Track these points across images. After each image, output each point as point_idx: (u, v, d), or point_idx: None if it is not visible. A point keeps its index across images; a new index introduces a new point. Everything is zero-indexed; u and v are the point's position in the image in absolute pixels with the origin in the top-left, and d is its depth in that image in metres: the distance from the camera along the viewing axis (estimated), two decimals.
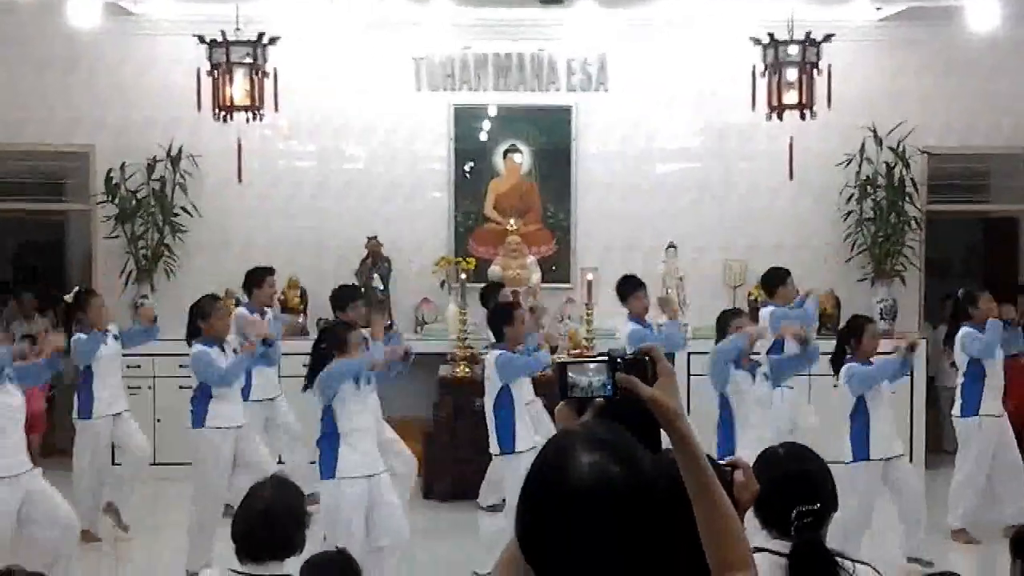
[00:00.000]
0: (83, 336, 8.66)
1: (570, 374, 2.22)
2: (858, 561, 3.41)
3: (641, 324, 9.47)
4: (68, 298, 8.98)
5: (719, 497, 2.20)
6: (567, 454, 2.02)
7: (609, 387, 2.19)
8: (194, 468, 8.29)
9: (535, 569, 2.03)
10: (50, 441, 11.21)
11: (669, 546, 2.06)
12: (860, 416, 7.92)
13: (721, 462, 2.67)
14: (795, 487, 3.42)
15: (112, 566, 9.01)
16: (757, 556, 3.14)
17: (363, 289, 11.22)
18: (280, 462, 9.27)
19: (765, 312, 9.73)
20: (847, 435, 7.97)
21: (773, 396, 8.02)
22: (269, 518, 4.29)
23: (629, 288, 9.60)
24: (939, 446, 11.42)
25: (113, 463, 9.49)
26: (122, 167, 11.40)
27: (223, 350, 8.20)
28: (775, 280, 9.92)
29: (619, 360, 2.20)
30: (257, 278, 9.74)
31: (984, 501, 9.00)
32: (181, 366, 8.95)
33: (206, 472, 8.16)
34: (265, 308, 9.65)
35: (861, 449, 7.87)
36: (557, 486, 1.99)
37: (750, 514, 3.04)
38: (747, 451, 6.43)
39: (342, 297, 9.33)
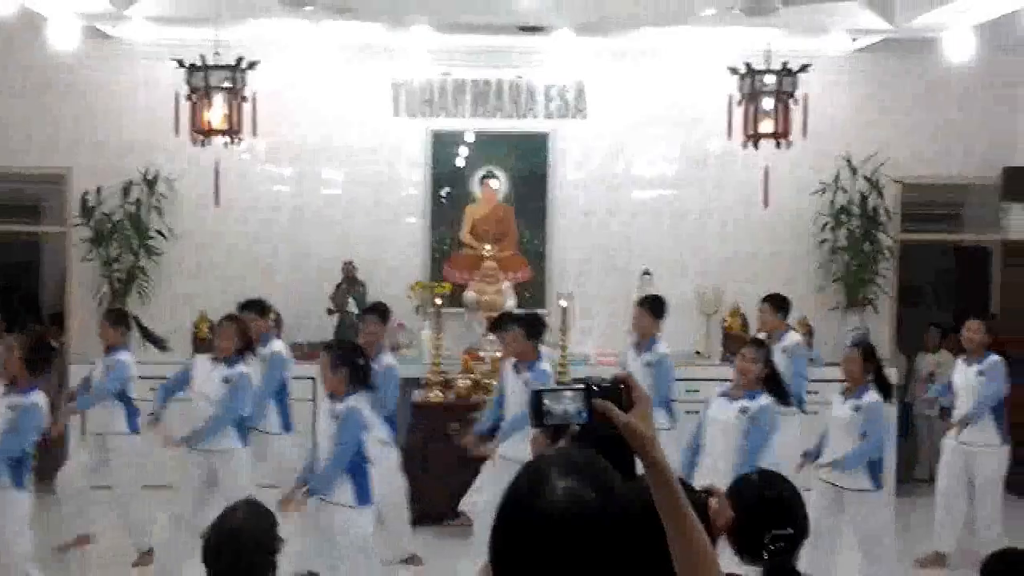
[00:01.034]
0: None
1: (545, 402, 2.23)
2: None
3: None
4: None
5: (691, 524, 2.22)
6: (541, 479, 2.03)
7: (585, 414, 2.21)
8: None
9: None
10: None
11: (642, 572, 2.08)
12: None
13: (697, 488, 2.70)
14: (768, 513, 3.44)
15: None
16: None
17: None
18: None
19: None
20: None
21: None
22: (238, 542, 4.26)
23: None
24: (913, 475, 11.47)
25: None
26: (98, 190, 11.38)
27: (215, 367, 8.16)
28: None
29: (595, 388, 2.22)
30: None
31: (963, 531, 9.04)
32: (152, 389, 8.89)
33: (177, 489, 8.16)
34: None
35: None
36: (531, 511, 2.00)
37: (724, 540, 3.07)
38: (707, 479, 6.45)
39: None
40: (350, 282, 11.45)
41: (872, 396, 7.77)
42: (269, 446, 9.21)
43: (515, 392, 8.29)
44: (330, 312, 11.30)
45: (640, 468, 2.24)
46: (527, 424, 7.97)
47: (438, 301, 10.66)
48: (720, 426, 7.29)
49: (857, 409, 7.71)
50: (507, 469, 8.01)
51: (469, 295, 11.27)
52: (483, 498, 8.14)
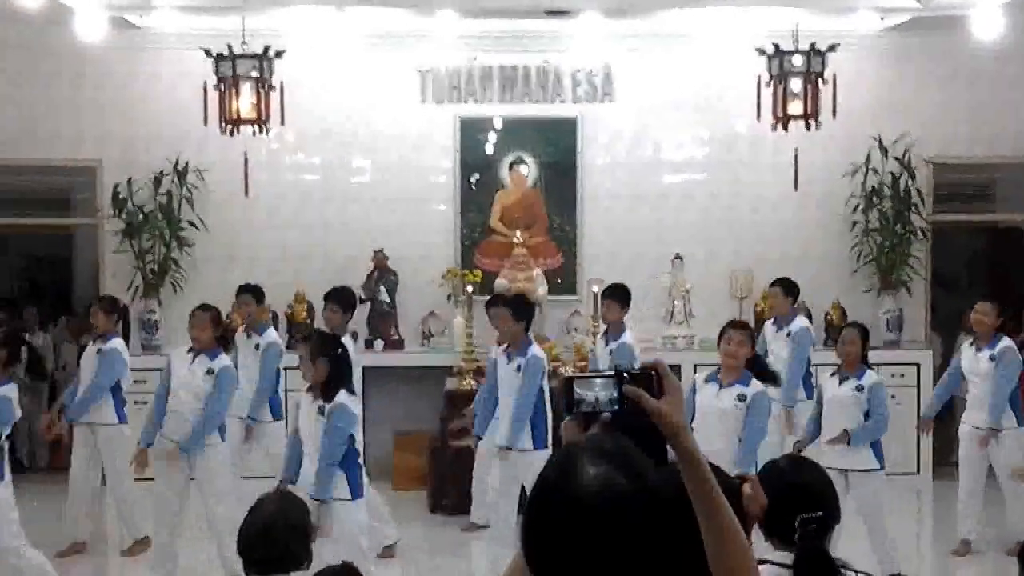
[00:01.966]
0: None
1: (576, 389, 2.22)
2: (862, 572, 3.41)
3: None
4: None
5: (724, 511, 2.20)
6: (572, 465, 2.01)
7: (616, 402, 2.19)
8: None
9: None
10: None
11: (674, 559, 2.06)
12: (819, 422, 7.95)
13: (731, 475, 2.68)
14: (797, 497, 3.42)
15: None
16: (761, 568, 3.16)
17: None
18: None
19: (766, 324, 9.77)
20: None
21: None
22: (273, 532, 4.30)
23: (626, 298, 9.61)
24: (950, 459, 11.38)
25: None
26: (129, 182, 11.41)
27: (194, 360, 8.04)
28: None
29: (626, 375, 2.21)
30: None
31: (991, 514, 8.96)
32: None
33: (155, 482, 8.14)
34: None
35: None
36: (562, 497, 1.99)
37: (756, 526, 3.05)
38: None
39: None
40: (381, 270, 11.46)
41: (872, 376, 7.77)
42: (261, 434, 9.16)
43: (507, 378, 8.24)
44: (361, 301, 11.30)
45: (672, 455, 2.22)
46: (529, 415, 7.86)
47: (469, 289, 10.66)
48: (717, 414, 7.10)
49: (859, 389, 7.69)
50: (518, 461, 8.01)
51: (500, 282, 11.25)
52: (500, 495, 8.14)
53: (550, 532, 1.99)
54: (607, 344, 9.40)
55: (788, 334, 9.65)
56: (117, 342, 8.94)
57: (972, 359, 8.83)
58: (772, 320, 10.00)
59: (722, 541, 2.20)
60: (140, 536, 8.93)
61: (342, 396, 6.72)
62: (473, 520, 9.45)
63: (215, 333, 8.03)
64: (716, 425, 7.05)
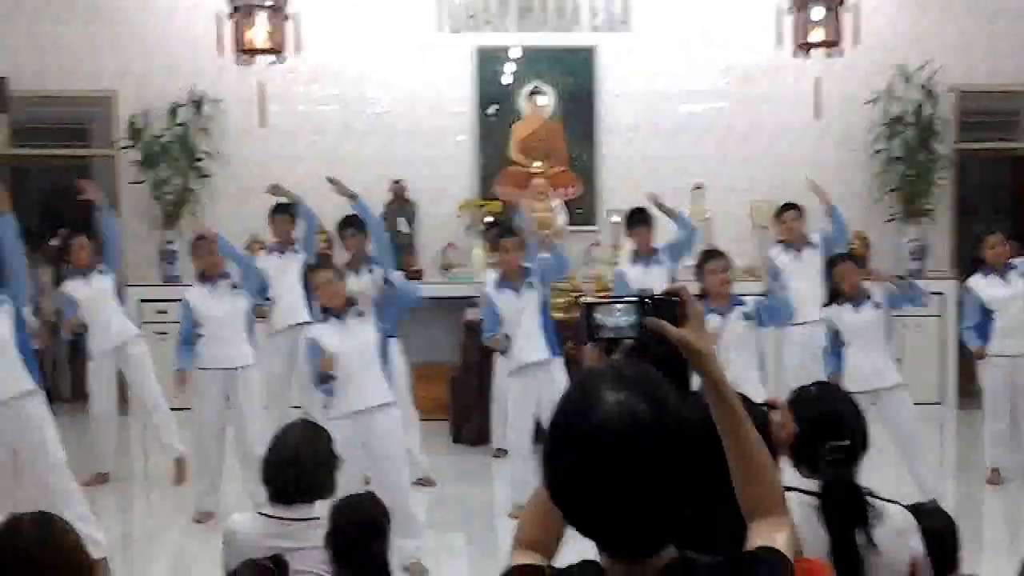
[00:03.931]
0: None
1: (597, 316, 2.17)
2: (888, 500, 3.39)
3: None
4: (55, 243, 8.98)
5: (752, 439, 2.17)
6: (593, 393, 1.97)
7: (637, 328, 2.15)
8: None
9: (563, 511, 2.00)
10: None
11: (700, 487, 2.03)
12: (839, 353, 7.89)
13: (758, 402, 2.64)
14: (826, 425, 3.40)
15: (127, 509, 9.05)
16: (787, 496, 3.13)
17: (389, 234, 11.19)
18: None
19: (772, 251, 9.58)
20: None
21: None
22: (297, 461, 4.31)
23: (628, 226, 9.41)
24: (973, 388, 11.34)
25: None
26: (145, 113, 11.38)
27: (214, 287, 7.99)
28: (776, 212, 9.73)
29: (647, 300, 2.16)
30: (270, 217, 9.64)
31: (1012, 443, 8.91)
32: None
33: (197, 413, 8.13)
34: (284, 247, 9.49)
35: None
36: (583, 425, 1.95)
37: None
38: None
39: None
40: (400, 202, 11.41)
41: (876, 291, 7.79)
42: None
43: (515, 305, 8.00)
44: None
45: (697, 382, 2.19)
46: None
47: (488, 219, 10.60)
48: (732, 338, 7.26)
49: (878, 306, 7.71)
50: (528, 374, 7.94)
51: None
52: (514, 417, 8.06)
53: (570, 461, 1.96)
54: (644, 266, 9.19)
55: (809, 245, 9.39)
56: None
57: (996, 287, 8.75)
58: (783, 244, 9.52)
59: (749, 469, 2.17)
60: (177, 453, 8.95)
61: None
62: (498, 446, 9.53)
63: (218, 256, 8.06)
64: (734, 352, 7.19)
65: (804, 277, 9.20)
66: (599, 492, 1.92)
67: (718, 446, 2.17)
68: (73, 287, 8.79)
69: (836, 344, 7.87)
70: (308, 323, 8.33)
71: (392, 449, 6.81)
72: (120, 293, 9.15)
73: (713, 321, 7.20)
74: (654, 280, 8.72)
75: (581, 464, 1.94)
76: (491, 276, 8.27)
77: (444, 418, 10.28)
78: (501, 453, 9.49)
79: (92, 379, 8.98)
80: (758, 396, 3.25)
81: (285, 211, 9.52)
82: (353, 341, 6.70)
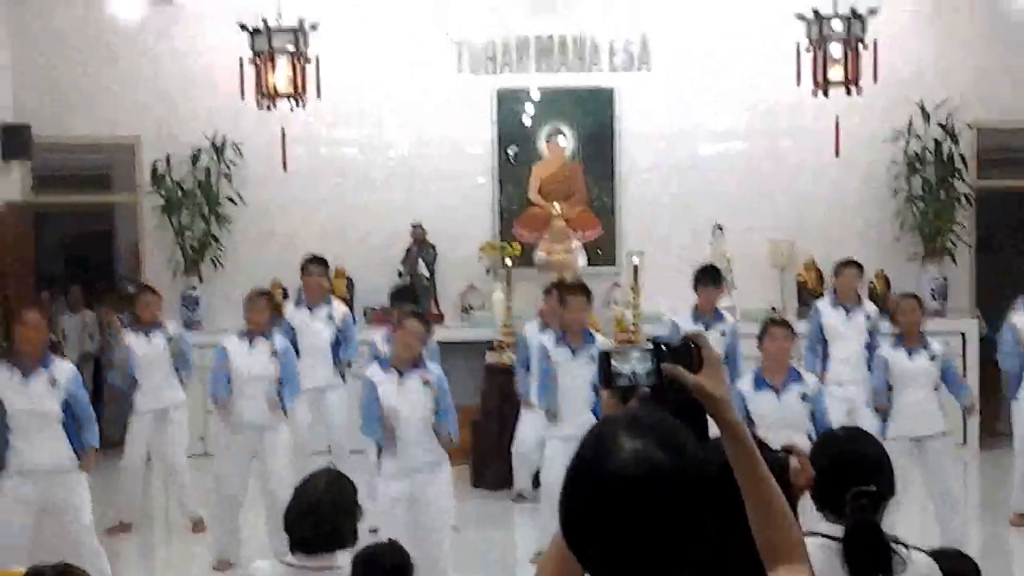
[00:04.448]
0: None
1: (613, 363, 2.17)
2: (914, 547, 3.35)
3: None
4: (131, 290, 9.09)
5: (768, 485, 2.15)
6: (610, 440, 1.96)
7: (654, 375, 2.14)
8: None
9: (579, 558, 1.99)
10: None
11: (718, 535, 2.01)
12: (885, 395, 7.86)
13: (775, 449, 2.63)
14: (852, 469, 3.37)
15: (149, 556, 9.03)
16: (810, 540, 3.10)
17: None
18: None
19: (821, 305, 9.37)
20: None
21: None
22: (320, 510, 4.29)
23: (698, 281, 9.15)
24: (996, 429, 11.26)
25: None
26: (167, 158, 11.45)
27: (252, 344, 8.07)
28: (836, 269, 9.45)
29: (663, 347, 2.16)
30: (302, 270, 9.59)
31: None
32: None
33: (220, 463, 8.21)
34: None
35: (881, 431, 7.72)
36: (600, 473, 1.94)
37: (806, 496, 3.01)
38: None
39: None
40: (420, 245, 11.43)
41: (938, 344, 7.80)
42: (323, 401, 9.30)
43: (569, 368, 7.85)
44: (400, 276, 11.30)
45: (714, 429, 2.18)
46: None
47: (508, 262, 10.61)
48: (787, 421, 6.97)
49: (933, 359, 7.69)
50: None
51: (539, 255, 11.21)
52: (552, 472, 8.00)
53: (587, 508, 1.95)
54: (706, 329, 8.78)
55: (867, 316, 9.11)
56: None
57: None
58: (834, 301, 9.24)
59: (767, 517, 2.16)
60: (197, 516, 8.99)
61: (434, 366, 6.95)
62: (519, 492, 9.51)
63: (269, 317, 8.15)
64: (784, 432, 6.99)
65: (852, 338, 9.01)
66: (615, 539, 1.91)
67: (736, 493, 2.15)
68: (133, 342, 8.91)
69: (883, 386, 7.85)
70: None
71: (443, 502, 6.94)
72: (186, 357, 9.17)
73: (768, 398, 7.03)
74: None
75: (597, 511, 1.93)
76: (537, 335, 8.26)
77: (464, 462, 10.24)
78: (521, 498, 9.46)
79: (131, 435, 9.02)
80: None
81: (320, 263, 9.49)
82: (411, 399, 6.74)
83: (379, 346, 8.27)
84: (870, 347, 8.87)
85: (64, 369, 6.92)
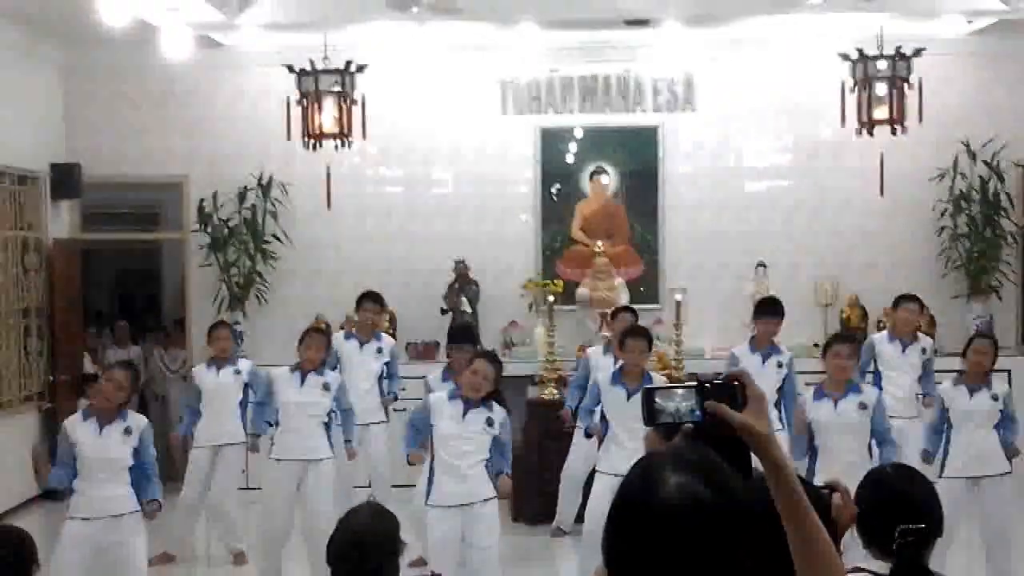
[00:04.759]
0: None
1: (657, 400, 2.19)
2: None
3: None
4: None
5: (812, 523, 2.16)
6: (654, 475, 1.98)
7: (698, 412, 2.16)
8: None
9: None
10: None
11: (760, 571, 2.03)
12: (942, 432, 7.79)
13: (819, 484, 2.64)
14: (900, 507, 3.36)
15: None
16: None
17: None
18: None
19: (877, 338, 9.31)
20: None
21: None
22: (362, 545, 4.30)
23: (758, 312, 9.15)
24: None
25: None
26: (214, 196, 11.58)
27: (304, 379, 8.15)
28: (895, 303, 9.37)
29: (707, 385, 2.18)
30: (357, 304, 9.69)
31: None
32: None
33: (267, 497, 8.28)
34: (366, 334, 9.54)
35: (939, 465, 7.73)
36: (645, 508, 1.96)
37: (853, 533, 3.00)
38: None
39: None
40: (463, 281, 11.49)
41: (1002, 384, 7.76)
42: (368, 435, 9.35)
43: (626, 410, 7.78)
44: (443, 312, 11.35)
45: (758, 466, 2.19)
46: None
47: (551, 299, 10.64)
48: (845, 427, 7.21)
49: (995, 399, 7.64)
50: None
51: (582, 292, 11.25)
52: (597, 505, 7.99)
53: (631, 543, 1.97)
54: (764, 360, 8.81)
55: (923, 350, 9.11)
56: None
57: None
58: (890, 336, 9.21)
59: (810, 555, 2.16)
60: (238, 549, 9.05)
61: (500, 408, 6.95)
62: (558, 526, 9.50)
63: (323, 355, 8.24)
64: (846, 437, 7.22)
65: (906, 372, 9.04)
66: (657, 571, 1.93)
67: (779, 529, 2.16)
68: (202, 376, 9.08)
69: (941, 423, 7.80)
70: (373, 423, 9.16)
71: (492, 538, 6.94)
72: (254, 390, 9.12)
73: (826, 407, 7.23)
74: (766, 372, 8.53)
75: (642, 546, 1.95)
76: (601, 357, 8.43)
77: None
78: (560, 532, 9.44)
79: (192, 467, 9.11)
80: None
81: (375, 300, 9.57)
82: (469, 436, 6.78)
83: (431, 384, 8.25)
84: (923, 379, 9.04)
85: (139, 421, 7.02)
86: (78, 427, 6.84)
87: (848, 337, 7.77)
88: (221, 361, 9.08)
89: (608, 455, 7.78)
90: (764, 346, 8.89)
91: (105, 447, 6.81)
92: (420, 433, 6.93)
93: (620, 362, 7.98)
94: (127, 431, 6.85)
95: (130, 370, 7.05)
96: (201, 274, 11.76)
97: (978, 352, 7.76)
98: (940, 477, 7.58)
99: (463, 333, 9.00)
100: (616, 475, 7.48)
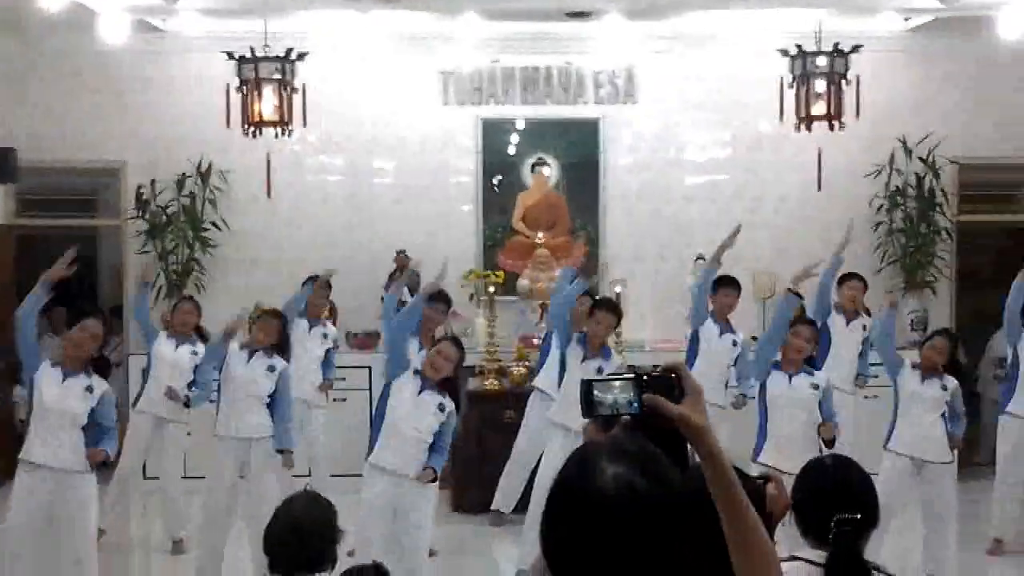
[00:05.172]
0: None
1: (596, 392, 2.20)
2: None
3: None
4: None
5: (747, 513, 2.19)
6: (591, 465, 2.01)
7: (635, 404, 2.18)
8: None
9: None
10: None
11: (696, 560, 2.05)
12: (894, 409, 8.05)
13: (754, 475, 2.67)
14: (838, 497, 3.42)
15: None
16: (793, 564, 3.16)
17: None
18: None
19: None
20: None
21: None
22: (300, 532, 4.30)
23: (718, 284, 9.49)
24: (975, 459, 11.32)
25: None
26: (152, 183, 11.47)
27: (252, 356, 8.08)
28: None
29: (645, 377, 2.19)
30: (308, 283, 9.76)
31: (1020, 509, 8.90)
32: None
33: (210, 479, 8.19)
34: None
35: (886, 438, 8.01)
36: (581, 498, 1.98)
37: (790, 521, 3.05)
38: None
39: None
40: (403, 272, 11.45)
41: (952, 379, 7.95)
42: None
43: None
44: (383, 301, 11.30)
45: (695, 457, 2.21)
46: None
47: (491, 289, 10.65)
48: (797, 401, 7.51)
49: (944, 389, 7.87)
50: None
51: (522, 283, 11.27)
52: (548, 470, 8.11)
53: (567, 532, 1.99)
54: (721, 333, 9.30)
55: (864, 327, 9.69)
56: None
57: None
58: (838, 309, 9.72)
59: (745, 543, 2.19)
60: (179, 536, 8.98)
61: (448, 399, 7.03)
62: (497, 508, 9.56)
63: (274, 341, 8.15)
64: (797, 414, 7.51)
65: (850, 347, 9.53)
66: (593, 560, 1.95)
67: (714, 518, 2.19)
68: (160, 345, 9.02)
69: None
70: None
71: (422, 520, 7.01)
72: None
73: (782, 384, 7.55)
74: (722, 344, 9.15)
75: (579, 535, 1.97)
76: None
77: (443, 487, 10.24)
78: (498, 518, 9.46)
79: (132, 432, 9.04)
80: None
81: (328, 287, 9.93)
82: (419, 413, 6.88)
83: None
84: (859, 359, 9.63)
85: (103, 385, 6.99)
86: (43, 373, 6.87)
87: (811, 321, 8.05)
88: (183, 336, 9.01)
89: (556, 410, 8.28)
90: (722, 319, 9.29)
91: (63, 397, 6.80)
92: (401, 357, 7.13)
93: (585, 328, 8.31)
94: (89, 389, 6.84)
95: (101, 316, 7.04)
96: (138, 261, 11.63)
97: (939, 348, 7.94)
98: (886, 449, 7.79)
99: (439, 294, 9.05)
100: (568, 429, 7.92)
